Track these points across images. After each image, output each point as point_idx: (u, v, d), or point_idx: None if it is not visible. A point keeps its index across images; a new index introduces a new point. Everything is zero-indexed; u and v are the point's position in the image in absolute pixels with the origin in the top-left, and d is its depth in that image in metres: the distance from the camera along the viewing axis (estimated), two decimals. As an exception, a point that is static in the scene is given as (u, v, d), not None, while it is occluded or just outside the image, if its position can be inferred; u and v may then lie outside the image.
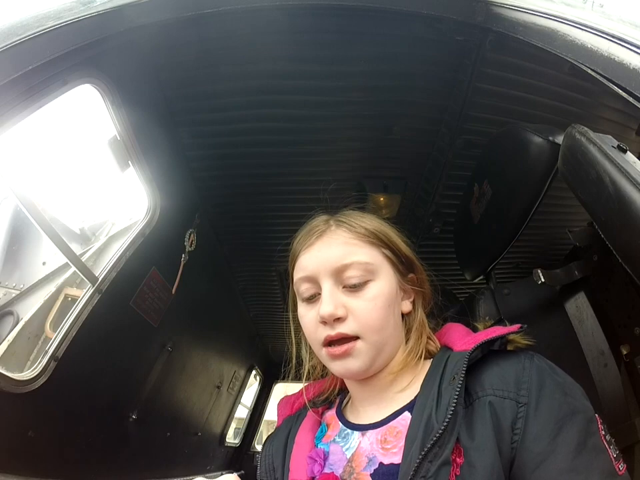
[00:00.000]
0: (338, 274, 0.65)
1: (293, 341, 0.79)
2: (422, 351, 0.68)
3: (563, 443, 0.51)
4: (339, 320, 0.63)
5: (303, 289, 0.68)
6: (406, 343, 0.70)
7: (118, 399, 1.66)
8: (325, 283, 0.65)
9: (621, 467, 0.52)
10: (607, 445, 0.53)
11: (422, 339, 0.70)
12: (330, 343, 0.64)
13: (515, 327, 0.64)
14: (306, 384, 0.80)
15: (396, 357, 0.68)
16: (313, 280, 0.67)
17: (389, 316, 0.66)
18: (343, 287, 0.65)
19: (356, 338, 0.63)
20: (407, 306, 0.71)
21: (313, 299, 0.67)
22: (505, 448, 0.52)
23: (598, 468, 0.51)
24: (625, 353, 0.93)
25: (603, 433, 0.54)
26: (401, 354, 0.68)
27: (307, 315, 0.67)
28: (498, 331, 0.63)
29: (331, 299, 0.63)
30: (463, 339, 0.65)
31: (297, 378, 0.83)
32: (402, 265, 0.71)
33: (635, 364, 0.89)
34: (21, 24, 0.87)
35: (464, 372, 0.56)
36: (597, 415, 0.56)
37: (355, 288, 0.65)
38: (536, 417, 0.53)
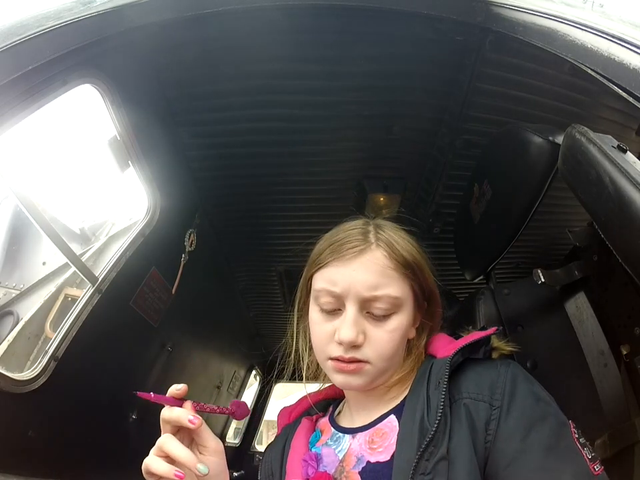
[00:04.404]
0: (366, 301, 0.64)
1: (294, 334, 0.80)
2: (416, 366, 0.71)
3: (533, 442, 0.54)
4: (355, 346, 0.64)
5: (324, 301, 0.67)
6: (404, 360, 0.72)
7: (118, 398, 1.66)
8: (350, 307, 0.64)
9: (597, 468, 0.53)
10: (580, 447, 0.54)
11: (420, 357, 0.72)
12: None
13: (492, 330, 0.68)
14: (302, 396, 0.84)
15: (394, 374, 0.70)
16: (339, 297, 0.65)
17: (401, 346, 0.68)
18: (366, 312, 0.65)
19: (365, 361, 0.64)
20: (412, 333, 0.72)
21: (333, 312, 0.67)
22: (479, 447, 0.55)
23: (570, 468, 0.52)
24: (625, 353, 0.92)
25: (577, 436, 0.55)
26: (398, 371, 0.70)
27: (322, 326, 0.67)
28: (476, 335, 0.67)
29: (355, 326, 0.63)
30: (445, 347, 0.68)
31: (281, 375, 0.84)
32: (422, 298, 0.71)
33: (635, 364, 0.89)
34: (21, 24, 0.87)
35: (447, 376, 0.60)
36: (570, 421, 0.58)
37: (377, 317, 0.65)
38: (507, 418, 0.56)
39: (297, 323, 0.79)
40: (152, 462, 0.57)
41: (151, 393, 0.60)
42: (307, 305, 0.73)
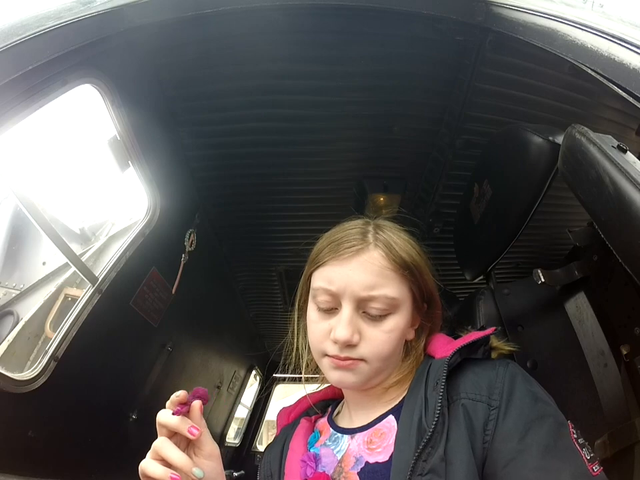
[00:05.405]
0: (362, 301, 0.65)
1: (294, 332, 0.80)
2: (414, 368, 0.71)
3: (531, 442, 0.54)
4: (350, 345, 0.64)
5: (321, 299, 0.67)
6: (402, 361, 0.72)
7: (118, 398, 1.66)
8: (346, 306, 0.65)
9: (596, 468, 0.53)
10: (578, 447, 0.54)
11: (419, 359, 0.72)
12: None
13: (490, 330, 0.68)
14: (301, 397, 0.84)
15: (391, 375, 0.70)
16: (335, 296, 0.66)
17: (398, 347, 0.68)
18: (363, 312, 0.65)
19: (361, 359, 0.65)
20: (411, 334, 0.72)
21: (329, 310, 0.67)
22: (477, 447, 0.55)
23: (569, 468, 0.52)
24: (625, 353, 0.92)
25: (575, 436, 0.55)
26: (396, 373, 0.70)
27: (318, 324, 0.68)
28: (474, 335, 0.66)
29: (349, 325, 0.63)
30: (443, 347, 0.67)
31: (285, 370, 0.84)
32: (421, 299, 0.71)
33: (635, 364, 0.89)
34: (21, 24, 0.87)
35: (444, 377, 0.60)
36: (569, 422, 0.58)
37: (374, 317, 0.65)
38: (505, 418, 0.56)
39: (297, 321, 0.79)
40: (148, 465, 0.57)
41: (178, 409, 0.60)
42: (307, 304, 0.73)
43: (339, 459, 0.67)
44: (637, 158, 0.65)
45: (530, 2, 0.96)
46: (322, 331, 0.66)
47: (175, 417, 0.59)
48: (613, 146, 0.67)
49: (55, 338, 1.27)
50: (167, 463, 0.57)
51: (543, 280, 1.08)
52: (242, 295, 2.90)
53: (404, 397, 0.66)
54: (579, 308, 1.13)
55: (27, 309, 2.13)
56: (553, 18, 0.88)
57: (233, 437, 3.94)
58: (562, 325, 1.14)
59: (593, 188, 0.67)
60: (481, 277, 1.37)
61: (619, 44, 0.73)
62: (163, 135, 1.59)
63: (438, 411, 0.57)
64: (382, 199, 1.94)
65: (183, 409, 0.60)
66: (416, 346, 0.72)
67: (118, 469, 1.61)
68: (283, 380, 4.19)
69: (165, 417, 0.59)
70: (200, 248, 1.96)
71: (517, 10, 1.00)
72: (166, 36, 1.25)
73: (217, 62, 1.41)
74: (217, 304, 2.54)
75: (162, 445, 0.58)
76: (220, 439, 3.31)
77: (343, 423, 0.74)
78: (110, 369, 1.55)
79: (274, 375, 4.06)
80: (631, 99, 0.68)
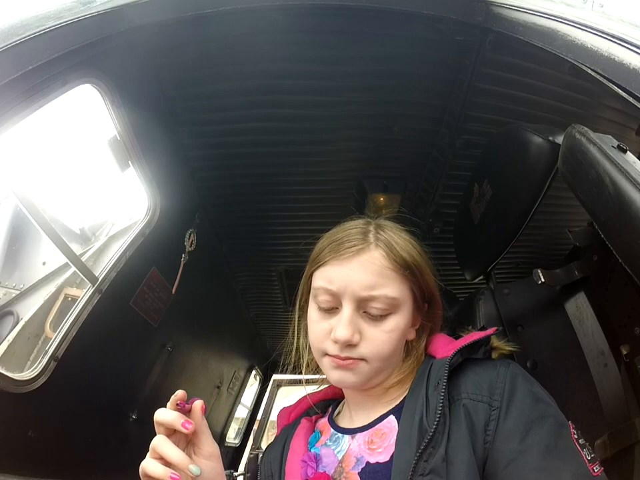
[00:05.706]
0: (362, 301, 0.65)
1: (295, 332, 0.80)
2: (415, 368, 0.71)
3: (532, 443, 0.54)
4: (350, 345, 0.64)
5: (322, 299, 0.67)
6: (402, 361, 0.72)
7: (118, 398, 1.66)
8: (347, 306, 0.65)
9: (596, 469, 0.53)
10: (579, 448, 0.54)
11: (419, 359, 0.72)
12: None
13: (491, 330, 0.68)
14: (301, 397, 0.84)
15: (392, 375, 0.70)
16: (336, 296, 0.66)
17: (398, 347, 0.68)
18: (363, 312, 0.65)
19: (361, 359, 0.65)
20: (412, 334, 0.72)
21: (330, 310, 0.67)
22: (478, 447, 0.55)
23: (570, 469, 0.52)
24: (625, 353, 0.92)
25: (576, 437, 0.55)
26: (397, 373, 0.70)
27: (319, 324, 0.68)
28: (475, 335, 0.67)
29: (350, 325, 0.63)
30: (444, 347, 0.68)
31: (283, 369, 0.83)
32: (422, 299, 0.71)
33: (635, 364, 0.89)
34: (21, 24, 0.87)
35: (446, 377, 0.60)
36: (570, 422, 0.58)
37: (374, 317, 0.65)
38: (506, 419, 0.56)
39: (298, 321, 0.79)
40: (148, 465, 0.57)
41: (181, 402, 0.61)
42: (308, 303, 0.73)
43: (339, 459, 0.67)
44: (637, 158, 0.65)
45: (530, 2, 0.96)
46: (322, 331, 0.66)
47: (170, 413, 0.59)
48: (613, 146, 0.67)
49: (54, 338, 1.27)
50: (167, 463, 0.57)
51: (542, 280, 1.08)
52: (242, 295, 2.90)
53: (405, 397, 0.66)
54: (579, 308, 1.13)
55: (27, 309, 2.13)
56: (553, 18, 0.88)
57: (233, 437, 3.95)
58: (562, 325, 1.14)
59: (593, 188, 0.67)
60: (481, 277, 1.37)
61: (619, 44, 0.73)
62: (163, 135, 1.59)
63: (439, 411, 0.57)
64: (382, 198, 1.94)
65: (186, 407, 0.60)
66: (417, 346, 0.72)
67: (118, 469, 1.61)
68: (282, 382, 4.19)
69: (161, 414, 0.59)
70: (200, 248, 1.96)
71: (517, 10, 1.00)
72: (166, 36, 1.25)
73: (217, 62, 1.41)
74: (217, 304, 2.54)
75: (159, 442, 0.58)
76: (220, 438, 3.31)
77: (344, 423, 0.74)
78: (110, 369, 1.55)
79: (274, 376, 4.06)
80: (631, 99, 0.68)
